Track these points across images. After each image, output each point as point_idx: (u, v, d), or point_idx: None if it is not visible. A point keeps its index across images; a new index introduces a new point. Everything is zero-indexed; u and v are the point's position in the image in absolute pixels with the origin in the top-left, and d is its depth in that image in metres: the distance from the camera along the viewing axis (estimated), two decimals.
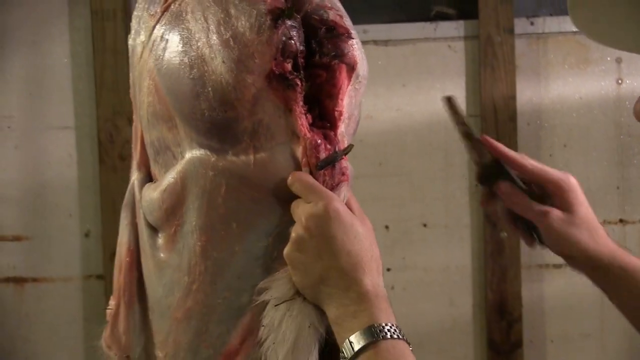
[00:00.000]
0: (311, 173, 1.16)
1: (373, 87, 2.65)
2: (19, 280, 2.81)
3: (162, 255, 1.27)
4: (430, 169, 2.70)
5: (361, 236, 1.14)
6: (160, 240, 1.28)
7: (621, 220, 2.67)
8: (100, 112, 2.69)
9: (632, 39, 1.02)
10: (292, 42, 1.14)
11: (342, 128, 1.21)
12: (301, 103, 1.16)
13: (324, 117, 1.20)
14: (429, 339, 2.71)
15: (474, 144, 1.32)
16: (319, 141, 1.16)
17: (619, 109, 2.65)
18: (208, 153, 1.19)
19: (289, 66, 1.14)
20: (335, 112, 1.19)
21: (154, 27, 1.25)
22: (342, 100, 1.20)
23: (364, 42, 2.66)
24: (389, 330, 1.08)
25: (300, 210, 1.14)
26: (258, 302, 1.17)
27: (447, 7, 2.73)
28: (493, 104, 2.62)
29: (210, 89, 1.14)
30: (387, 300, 1.12)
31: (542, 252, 2.65)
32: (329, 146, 1.17)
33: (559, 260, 2.63)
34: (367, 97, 2.65)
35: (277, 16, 1.13)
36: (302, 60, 1.16)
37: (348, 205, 1.18)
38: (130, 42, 1.34)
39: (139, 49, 1.30)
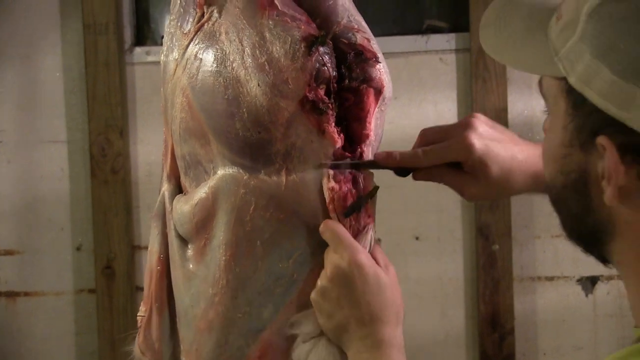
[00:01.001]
0: (339, 219, 1.20)
1: None
2: (10, 295, 2.81)
3: (191, 266, 1.30)
4: (422, 181, 2.69)
5: (383, 287, 1.18)
6: (190, 251, 1.31)
7: None
8: (92, 125, 2.69)
9: (522, 56, 1.04)
10: (325, 68, 1.17)
11: (368, 152, 1.24)
12: (333, 124, 1.18)
13: (351, 139, 1.22)
14: (421, 351, 2.71)
15: (375, 167, 1.29)
16: (346, 190, 1.20)
17: None
18: (240, 171, 1.22)
19: (322, 92, 1.17)
20: (363, 135, 1.22)
21: (187, 46, 1.27)
22: (369, 123, 1.23)
23: None
24: None
25: (328, 260, 1.19)
26: (290, 334, 1.23)
27: (438, 20, 2.74)
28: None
29: (244, 110, 1.17)
30: (402, 350, 1.18)
31: (534, 265, 2.67)
32: (354, 191, 1.21)
33: (552, 272, 2.66)
34: None
35: (311, 43, 1.16)
36: (334, 85, 1.18)
37: (374, 253, 1.22)
38: (162, 58, 1.36)
39: (171, 65, 1.32)
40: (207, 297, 1.26)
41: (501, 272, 2.64)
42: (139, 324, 1.43)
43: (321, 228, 1.19)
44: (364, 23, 1.27)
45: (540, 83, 1.06)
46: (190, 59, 1.25)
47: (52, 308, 2.80)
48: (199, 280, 1.28)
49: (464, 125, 1.29)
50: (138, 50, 2.76)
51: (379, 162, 1.27)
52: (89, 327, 2.77)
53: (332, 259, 1.18)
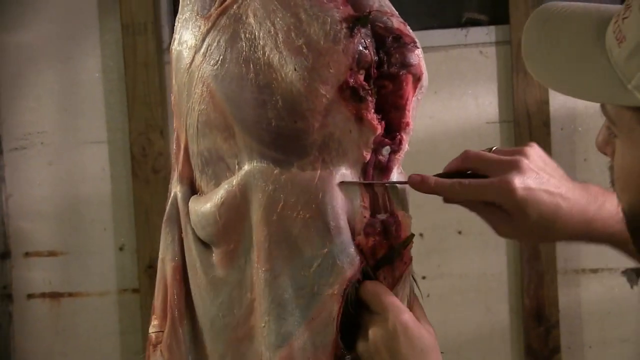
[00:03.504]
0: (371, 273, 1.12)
1: None
2: (55, 295, 2.83)
3: (217, 272, 1.20)
4: None
5: (428, 348, 1.09)
6: (215, 256, 1.20)
7: None
8: (133, 125, 2.71)
9: (585, 85, 1.00)
10: (367, 52, 1.09)
11: (407, 141, 1.16)
12: (373, 111, 1.11)
13: (389, 128, 1.15)
14: (466, 347, 2.69)
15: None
16: (373, 243, 1.11)
17: None
18: (271, 165, 1.13)
19: (362, 78, 1.09)
20: (402, 123, 1.15)
21: (208, 31, 1.18)
22: (409, 111, 1.15)
23: None
24: None
25: (368, 321, 1.11)
26: None
27: (478, 12, 2.72)
28: (526, 109, 2.61)
29: (279, 97, 1.08)
30: None
31: (578, 257, 2.64)
32: (385, 241, 1.12)
33: (596, 264, 2.63)
34: None
35: (353, 24, 1.08)
36: (374, 70, 1.11)
37: (414, 309, 1.15)
38: (175, 46, 1.26)
39: (186, 54, 1.22)
40: (246, 303, 1.16)
41: (545, 265, 2.62)
42: (153, 342, 1.30)
43: (360, 290, 1.10)
44: (394, 10, 1.19)
45: (603, 107, 1.02)
46: (212, 46, 1.16)
47: (96, 308, 2.81)
48: (231, 287, 1.17)
49: (510, 163, 1.20)
50: None
51: (411, 186, 1.20)
52: (133, 327, 2.78)
53: (372, 321, 1.10)
